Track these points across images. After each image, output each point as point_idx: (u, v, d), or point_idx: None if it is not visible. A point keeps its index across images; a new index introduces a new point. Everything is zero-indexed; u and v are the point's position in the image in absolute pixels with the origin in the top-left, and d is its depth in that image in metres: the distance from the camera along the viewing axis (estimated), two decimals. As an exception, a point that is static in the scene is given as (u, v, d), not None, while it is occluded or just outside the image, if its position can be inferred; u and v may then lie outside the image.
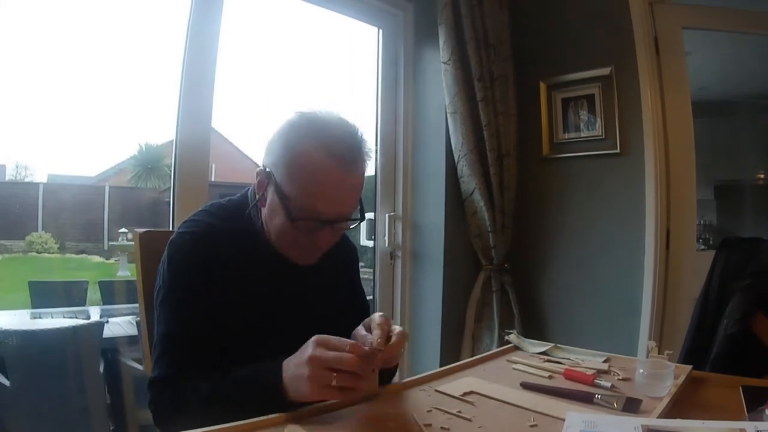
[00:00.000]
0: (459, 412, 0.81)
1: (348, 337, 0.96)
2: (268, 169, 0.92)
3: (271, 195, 0.92)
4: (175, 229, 0.98)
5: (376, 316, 0.86)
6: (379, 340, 0.78)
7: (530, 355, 1.17)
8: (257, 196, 0.96)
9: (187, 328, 0.88)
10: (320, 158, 0.85)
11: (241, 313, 0.92)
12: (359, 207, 0.95)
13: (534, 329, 2.37)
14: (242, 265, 0.93)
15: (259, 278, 0.95)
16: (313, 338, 0.77)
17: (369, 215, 2.49)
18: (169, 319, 0.89)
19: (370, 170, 2.54)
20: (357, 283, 1.18)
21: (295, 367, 0.77)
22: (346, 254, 1.14)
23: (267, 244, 0.97)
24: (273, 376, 0.79)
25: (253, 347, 0.89)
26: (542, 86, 2.44)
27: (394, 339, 0.83)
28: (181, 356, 0.87)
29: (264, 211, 0.96)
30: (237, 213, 0.98)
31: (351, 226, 0.95)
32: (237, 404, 0.78)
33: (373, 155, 0.95)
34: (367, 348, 0.77)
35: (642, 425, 0.70)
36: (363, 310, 1.14)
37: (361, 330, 0.88)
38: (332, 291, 1.06)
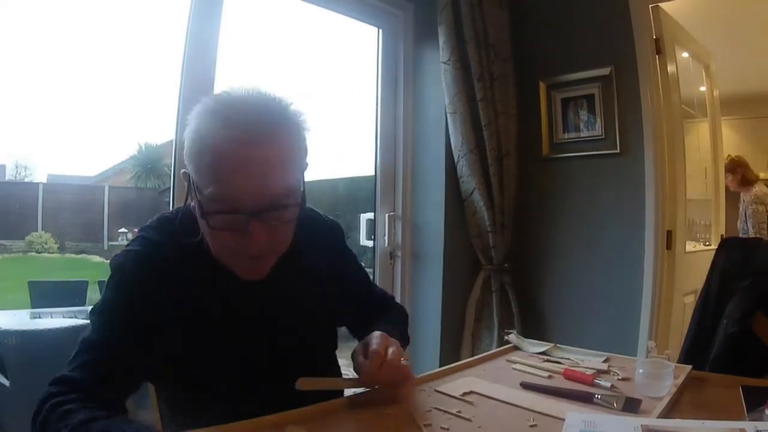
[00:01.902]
0: (459, 412, 0.81)
1: (354, 316, 1.01)
2: (184, 170, 0.80)
3: (192, 196, 0.78)
4: (129, 243, 0.88)
5: (374, 343, 0.84)
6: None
7: (530, 355, 1.17)
8: (191, 204, 0.81)
9: (108, 339, 0.78)
10: (217, 133, 0.72)
11: (190, 333, 0.83)
12: (300, 192, 0.79)
13: (533, 329, 2.37)
14: (190, 282, 0.83)
15: (210, 295, 0.84)
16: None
17: (369, 215, 2.49)
18: (95, 327, 0.81)
19: (369, 170, 2.52)
20: (349, 263, 1.07)
21: None
22: (324, 240, 1.00)
23: (212, 258, 0.84)
24: None
25: (197, 366, 0.83)
26: (542, 86, 2.44)
27: (384, 366, 0.81)
28: (92, 365, 0.77)
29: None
30: (184, 225, 0.84)
31: (285, 218, 0.77)
32: None
33: (309, 127, 0.80)
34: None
35: (642, 425, 0.70)
36: (364, 288, 1.11)
37: (359, 357, 0.85)
38: (298, 299, 0.92)
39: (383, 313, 1.09)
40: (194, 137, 0.75)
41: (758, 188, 3.70)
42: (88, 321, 0.83)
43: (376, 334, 0.86)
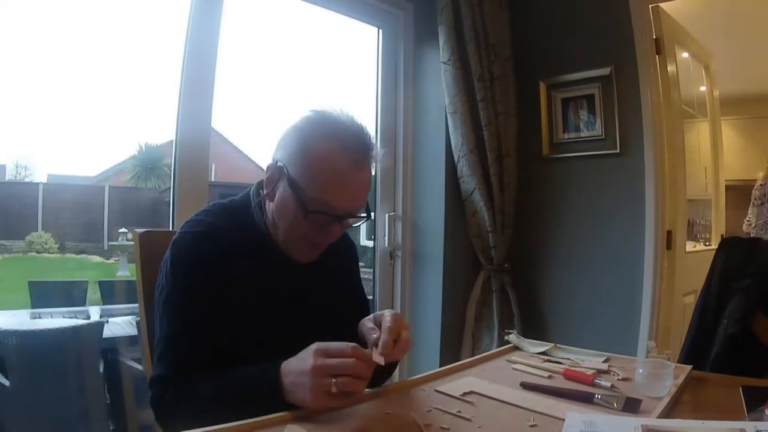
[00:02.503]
0: (459, 412, 0.81)
1: (350, 332, 0.98)
2: (280, 164, 0.93)
3: (282, 189, 0.93)
4: (178, 229, 0.97)
5: (388, 316, 0.87)
6: (380, 354, 0.80)
7: (530, 355, 1.17)
8: (265, 191, 0.96)
9: (188, 329, 0.88)
10: (336, 154, 0.89)
11: (245, 312, 0.91)
12: (366, 205, 0.98)
13: (534, 329, 2.37)
14: (245, 263, 0.93)
15: (262, 277, 0.95)
16: (313, 347, 0.78)
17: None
18: (171, 319, 0.89)
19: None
20: (357, 280, 1.18)
21: (296, 376, 0.77)
22: (346, 251, 1.14)
23: (270, 243, 0.97)
24: (271, 379, 0.79)
25: (255, 345, 0.89)
26: (542, 86, 2.44)
27: (397, 345, 0.84)
28: (182, 356, 0.87)
29: (270, 206, 0.96)
30: (239, 212, 0.99)
31: (359, 223, 0.98)
32: (236, 406, 0.78)
33: (379, 158, 0.96)
34: (369, 350, 0.80)
35: (642, 425, 0.70)
36: (362, 308, 1.14)
37: (368, 323, 0.90)
38: (331, 288, 1.06)
39: None
40: (306, 145, 0.91)
41: None
42: (161, 311, 0.90)
43: (389, 311, 0.89)
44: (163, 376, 0.86)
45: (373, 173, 1.00)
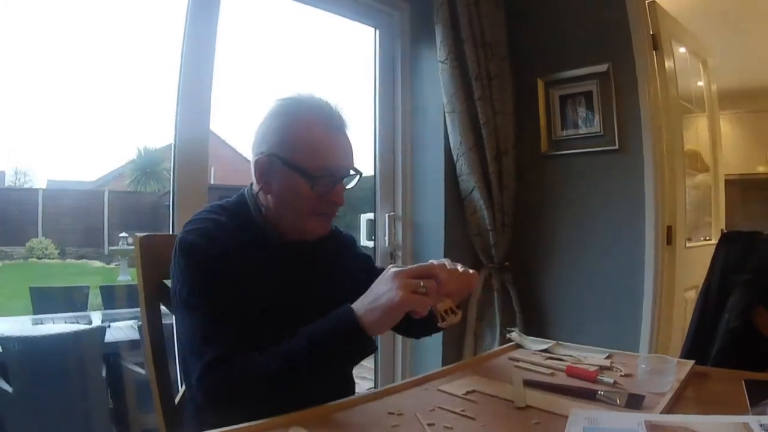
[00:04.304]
0: (462, 410, 0.81)
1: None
2: (268, 154, 0.99)
3: (280, 175, 0.99)
4: (181, 230, 0.98)
5: (446, 261, 0.92)
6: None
7: (532, 353, 1.17)
8: (259, 185, 1.01)
9: (226, 312, 0.88)
10: (318, 125, 0.99)
11: (256, 303, 0.93)
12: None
13: (535, 327, 2.37)
14: (251, 257, 0.96)
15: (268, 268, 0.98)
16: (390, 271, 0.85)
17: (369, 215, 2.49)
18: (202, 312, 0.89)
19: (368, 170, 2.54)
20: (362, 258, 1.24)
21: (375, 294, 0.83)
22: (343, 239, 1.21)
23: (272, 234, 1.02)
24: (347, 313, 0.84)
25: (272, 334, 0.88)
26: (540, 83, 2.44)
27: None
28: (232, 334, 0.87)
29: (268, 198, 1.01)
30: (238, 210, 1.03)
31: (354, 182, 1.07)
32: (317, 359, 0.82)
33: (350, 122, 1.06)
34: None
35: (645, 421, 0.70)
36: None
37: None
38: (335, 275, 1.11)
39: None
40: (292, 126, 0.99)
41: None
42: (187, 311, 0.91)
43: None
44: (221, 355, 0.84)
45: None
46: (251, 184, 1.06)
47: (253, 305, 0.92)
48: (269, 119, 1.02)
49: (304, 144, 0.98)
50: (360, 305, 0.85)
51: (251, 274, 0.94)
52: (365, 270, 1.19)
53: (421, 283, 0.83)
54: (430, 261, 0.91)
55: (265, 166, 0.99)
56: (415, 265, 0.86)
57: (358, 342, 0.83)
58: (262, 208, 1.03)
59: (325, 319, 0.86)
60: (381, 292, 0.83)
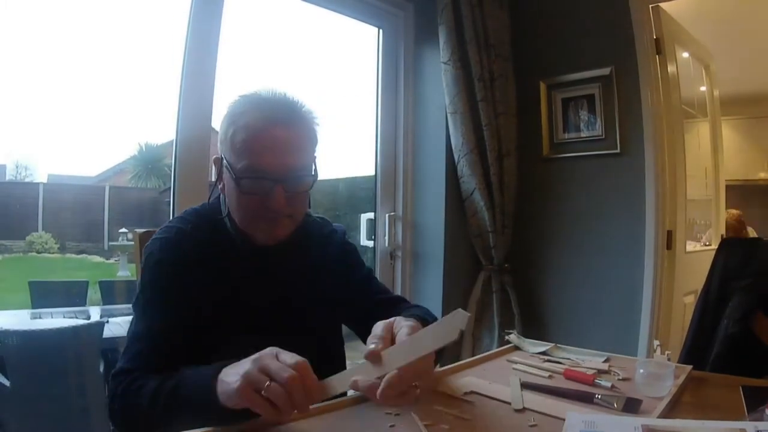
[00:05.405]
0: (460, 412, 0.81)
1: (363, 325, 0.92)
2: (219, 154, 0.96)
3: (225, 177, 0.95)
4: (156, 232, 0.99)
5: (404, 330, 0.74)
6: (380, 395, 0.67)
7: (530, 355, 1.17)
8: (219, 186, 0.99)
9: (152, 327, 0.89)
10: (251, 119, 0.90)
11: (218, 311, 0.93)
12: (313, 169, 0.97)
13: (534, 329, 2.37)
14: (215, 263, 0.95)
15: (233, 275, 0.96)
16: (268, 348, 0.71)
17: (369, 215, 2.49)
18: (139, 318, 0.91)
19: (370, 170, 2.52)
20: (354, 266, 1.13)
21: (234, 366, 0.71)
22: (331, 246, 1.11)
23: (239, 240, 0.98)
24: (209, 375, 0.73)
25: (231, 343, 0.85)
26: (542, 86, 2.44)
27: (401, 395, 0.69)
28: (144, 352, 0.87)
29: (226, 201, 0.98)
30: (210, 215, 1.01)
31: (302, 187, 0.94)
32: (174, 402, 0.76)
33: (320, 122, 0.98)
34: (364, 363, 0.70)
35: (642, 425, 0.70)
36: (367, 285, 1.13)
37: (377, 328, 0.77)
38: (301, 276, 1.03)
39: (401, 308, 1.05)
40: (229, 122, 0.92)
41: None
42: (133, 311, 0.92)
43: (406, 325, 0.76)
44: (122, 369, 0.85)
45: (318, 135, 0.99)
46: None
47: (200, 316, 0.91)
48: (224, 115, 0.97)
49: (235, 142, 0.90)
50: (228, 369, 0.72)
51: (209, 281, 0.93)
52: (345, 264, 1.11)
53: (266, 383, 0.66)
54: (404, 330, 0.73)
55: (217, 167, 0.96)
56: (278, 364, 0.67)
57: (210, 403, 0.71)
58: (226, 209, 1.00)
59: (195, 370, 0.77)
60: (233, 371, 0.70)
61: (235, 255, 0.97)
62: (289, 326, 0.96)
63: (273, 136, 0.90)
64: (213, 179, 1.00)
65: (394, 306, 1.07)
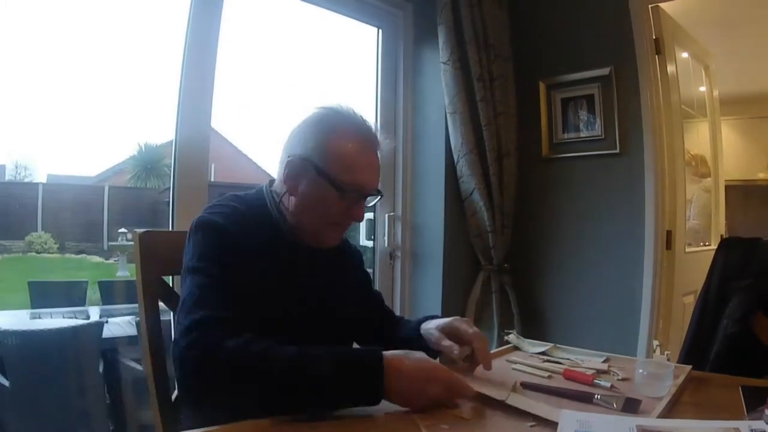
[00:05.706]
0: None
1: (366, 329, 1.16)
2: (302, 158, 1.00)
3: (308, 181, 1.00)
4: (201, 213, 0.98)
5: (466, 328, 1.00)
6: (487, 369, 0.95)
7: (530, 355, 1.17)
8: (287, 186, 1.02)
9: (227, 282, 0.86)
10: (357, 142, 1.01)
11: (261, 295, 0.91)
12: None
13: (533, 329, 2.37)
14: (264, 250, 0.97)
15: (280, 265, 0.99)
16: (441, 369, 0.83)
17: (368, 215, 2.49)
18: (207, 272, 0.87)
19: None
20: (365, 275, 1.29)
21: (409, 376, 0.79)
22: (353, 252, 1.25)
23: (288, 234, 1.03)
24: (375, 361, 0.79)
25: (270, 332, 0.84)
26: (542, 86, 2.44)
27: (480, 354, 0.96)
28: (230, 302, 0.84)
29: (291, 200, 1.02)
30: (256, 204, 1.05)
31: (375, 201, 1.10)
32: (323, 380, 0.76)
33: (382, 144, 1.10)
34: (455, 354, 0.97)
35: (637, 425, 0.70)
36: (376, 299, 1.27)
37: (437, 335, 1.02)
38: (342, 284, 1.13)
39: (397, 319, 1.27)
40: (328, 132, 1.01)
41: None
42: (190, 275, 0.88)
43: (459, 321, 1.02)
44: (215, 315, 0.79)
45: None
46: (270, 182, 1.09)
47: (257, 296, 0.89)
48: (308, 124, 1.03)
49: (340, 156, 0.99)
50: (394, 362, 0.79)
51: (262, 266, 0.95)
52: (360, 267, 1.26)
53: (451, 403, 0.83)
54: (467, 329, 1.00)
55: (297, 169, 1.01)
56: (447, 397, 0.82)
57: (372, 390, 0.78)
58: (285, 208, 1.04)
59: (350, 349, 0.87)
60: (411, 386, 0.79)
61: (284, 246, 1.01)
62: (329, 317, 1.03)
63: (371, 157, 1.04)
64: (283, 175, 1.02)
65: (392, 317, 1.27)
